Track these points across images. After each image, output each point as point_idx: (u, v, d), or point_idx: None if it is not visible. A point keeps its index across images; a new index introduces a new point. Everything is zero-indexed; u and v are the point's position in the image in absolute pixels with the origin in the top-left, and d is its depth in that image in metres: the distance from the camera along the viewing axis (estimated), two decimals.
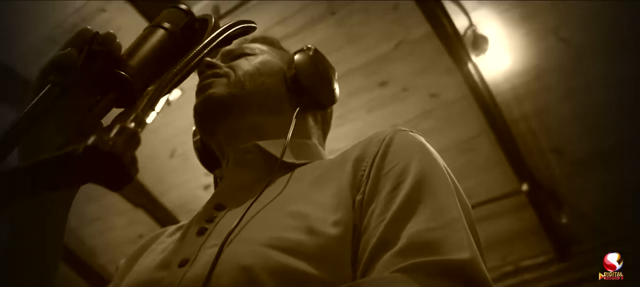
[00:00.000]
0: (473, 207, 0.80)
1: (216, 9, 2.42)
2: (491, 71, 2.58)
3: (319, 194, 0.76)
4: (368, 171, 0.74)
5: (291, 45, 1.08)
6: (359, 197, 0.72)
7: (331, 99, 0.95)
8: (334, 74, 0.98)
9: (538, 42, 2.48)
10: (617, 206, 2.85)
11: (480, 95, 2.59)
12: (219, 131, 0.90)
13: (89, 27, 0.66)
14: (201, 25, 0.76)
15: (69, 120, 0.66)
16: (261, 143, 0.86)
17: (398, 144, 0.77)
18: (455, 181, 0.76)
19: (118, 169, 0.44)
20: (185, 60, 0.62)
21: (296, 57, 0.94)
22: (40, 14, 2.52)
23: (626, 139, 2.72)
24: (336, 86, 0.97)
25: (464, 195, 0.75)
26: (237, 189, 0.83)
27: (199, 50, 0.65)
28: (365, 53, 2.59)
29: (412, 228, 0.66)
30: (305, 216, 0.71)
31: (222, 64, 0.93)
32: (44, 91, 0.61)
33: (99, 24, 2.54)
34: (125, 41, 0.69)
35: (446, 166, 0.77)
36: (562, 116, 2.71)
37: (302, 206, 0.74)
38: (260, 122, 0.90)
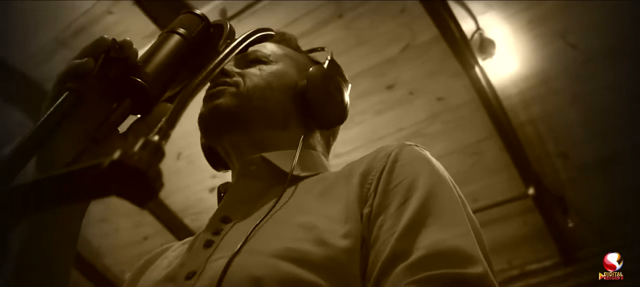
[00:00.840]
0: (479, 210, 0.82)
1: (224, 11, 2.41)
2: (498, 75, 2.57)
3: (326, 206, 0.75)
4: (375, 185, 0.74)
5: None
6: (366, 210, 0.72)
7: (339, 121, 0.94)
8: (347, 91, 0.96)
9: (545, 46, 2.46)
10: (623, 211, 2.83)
11: (487, 99, 2.57)
12: (223, 140, 0.90)
13: (106, 35, 0.66)
14: (216, 30, 0.75)
15: (86, 127, 0.65)
16: (266, 155, 0.86)
17: (405, 159, 0.76)
18: (462, 195, 0.76)
19: (143, 184, 0.43)
20: (206, 71, 0.61)
21: (310, 71, 0.91)
22: (48, 16, 2.51)
23: (633, 143, 2.70)
24: (347, 105, 0.95)
25: (469, 208, 0.74)
26: (243, 201, 0.83)
27: (219, 60, 0.64)
28: (372, 56, 2.58)
29: (424, 241, 0.66)
30: (315, 228, 0.71)
31: (234, 70, 0.91)
32: (61, 99, 0.61)
33: (106, 26, 2.54)
34: (134, 44, 0.69)
35: (452, 180, 0.77)
36: (569, 121, 2.69)
37: (311, 218, 0.73)
38: (265, 136, 0.89)
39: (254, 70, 0.92)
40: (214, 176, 3.82)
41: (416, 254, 0.64)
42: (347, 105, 0.95)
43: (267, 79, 0.91)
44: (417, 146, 0.80)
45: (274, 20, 2.53)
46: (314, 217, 0.73)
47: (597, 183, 2.87)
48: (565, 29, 2.41)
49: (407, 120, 2.73)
